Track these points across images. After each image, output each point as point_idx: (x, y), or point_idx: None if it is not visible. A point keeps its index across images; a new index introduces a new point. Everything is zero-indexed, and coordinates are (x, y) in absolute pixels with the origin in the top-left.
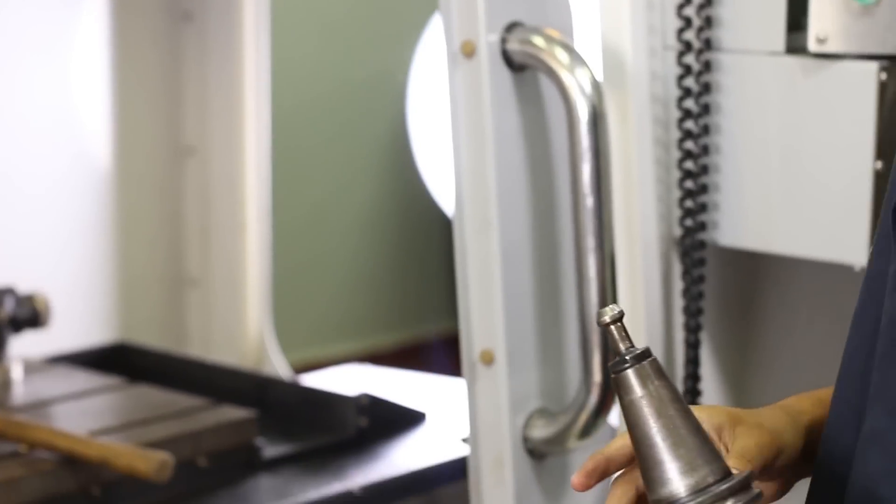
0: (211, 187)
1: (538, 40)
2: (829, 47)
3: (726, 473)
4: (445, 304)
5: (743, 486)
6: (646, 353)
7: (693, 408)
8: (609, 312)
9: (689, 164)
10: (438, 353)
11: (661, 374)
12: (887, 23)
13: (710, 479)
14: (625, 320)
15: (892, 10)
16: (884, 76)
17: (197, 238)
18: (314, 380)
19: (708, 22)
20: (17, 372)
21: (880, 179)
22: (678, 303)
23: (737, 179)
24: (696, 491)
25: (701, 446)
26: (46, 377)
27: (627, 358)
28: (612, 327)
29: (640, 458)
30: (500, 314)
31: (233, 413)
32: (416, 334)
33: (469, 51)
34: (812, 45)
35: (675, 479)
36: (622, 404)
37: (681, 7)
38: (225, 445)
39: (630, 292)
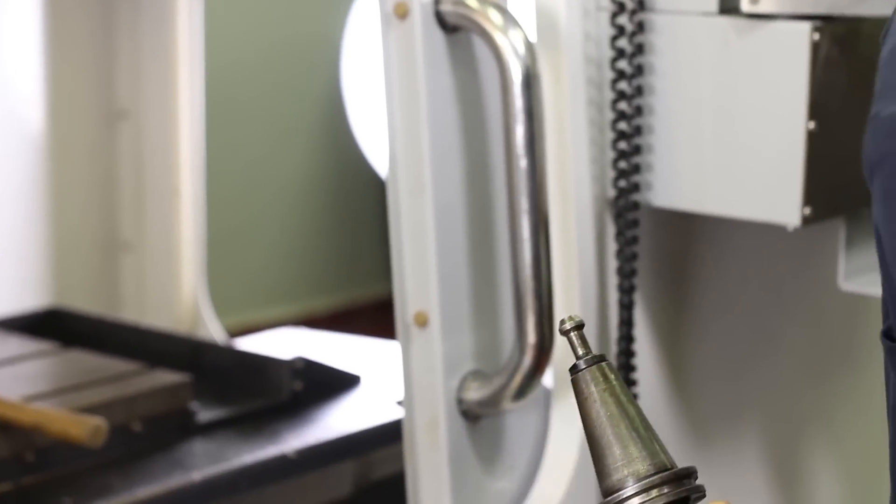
0: (144, 151)
1: (471, 2)
2: (762, 7)
3: (666, 467)
4: (380, 266)
5: (680, 476)
6: (600, 358)
7: None
8: (569, 322)
9: (622, 126)
10: (373, 315)
11: (614, 376)
12: None
13: (652, 471)
14: (558, 289)
15: None
16: (816, 36)
17: (130, 202)
18: (249, 344)
19: None
20: None
21: (813, 140)
22: (612, 264)
23: (670, 140)
24: (639, 480)
25: (643, 441)
26: None
27: (582, 362)
28: (572, 334)
29: (592, 452)
30: (434, 276)
31: (167, 377)
32: (352, 297)
33: (402, 12)
34: (745, 5)
35: (620, 470)
36: (577, 403)
37: None
38: (159, 410)
39: (564, 254)
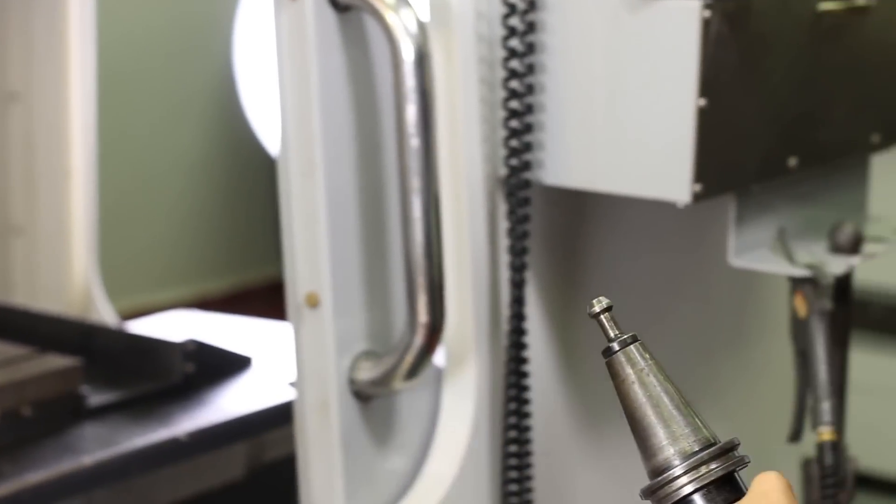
0: (35, 133)
1: None
2: None
3: (711, 442)
4: (274, 248)
5: (726, 449)
6: (632, 339)
7: None
8: (597, 305)
9: (514, 104)
10: (268, 297)
11: (648, 355)
12: None
13: (697, 447)
14: (449, 268)
15: None
16: (707, 13)
17: (21, 185)
18: (140, 326)
19: None
20: None
21: (703, 117)
22: (503, 242)
23: (561, 118)
24: (685, 458)
25: (686, 417)
26: None
27: (615, 344)
28: (602, 317)
29: (634, 433)
30: (326, 256)
31: (57, 361)
32: (246, 279)
33: None
34: None
35: (665, 450)
36: (615, 385)
37: None
38: (49, 394)
39: (455, 233)
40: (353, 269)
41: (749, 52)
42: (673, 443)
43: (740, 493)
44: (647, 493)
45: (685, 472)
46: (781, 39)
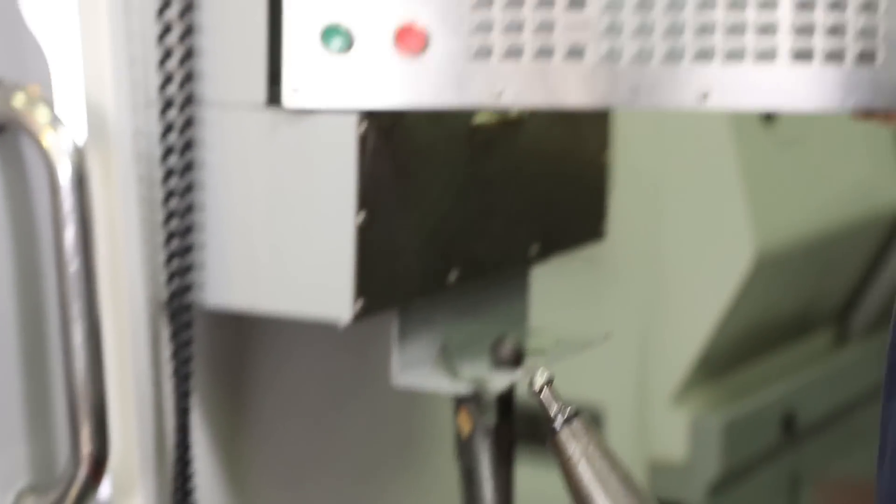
0: None
1: (18, 99)
2: (302, 102)
3: None
4: None
5: None
6: (574, 414)
7: None
8: (540, 380)
9: (173, 224)
10: None
11: (590, 431)
12: (362, 71)
13: None
14: (113, 396)
15: (366, 59)
16: (363, 127)
17: None
18: None
19: (189, 76)
20: None
21: (362, 233)
22: (168, 368)
23: (221, 238)
24: None
25: (627, 492)
26: None
27: (556, 425)
28: (543, 393)
29: None
30: None
31: None
32: None
33: None
34: (287, 98)
35: None
36: (560, 463)
37: (162, 61)
38: None
39: (118, 359)
40: (13, 400)
41: (407, 167)
42: None
43: None
44: None
45: None
46: (438, 154)
